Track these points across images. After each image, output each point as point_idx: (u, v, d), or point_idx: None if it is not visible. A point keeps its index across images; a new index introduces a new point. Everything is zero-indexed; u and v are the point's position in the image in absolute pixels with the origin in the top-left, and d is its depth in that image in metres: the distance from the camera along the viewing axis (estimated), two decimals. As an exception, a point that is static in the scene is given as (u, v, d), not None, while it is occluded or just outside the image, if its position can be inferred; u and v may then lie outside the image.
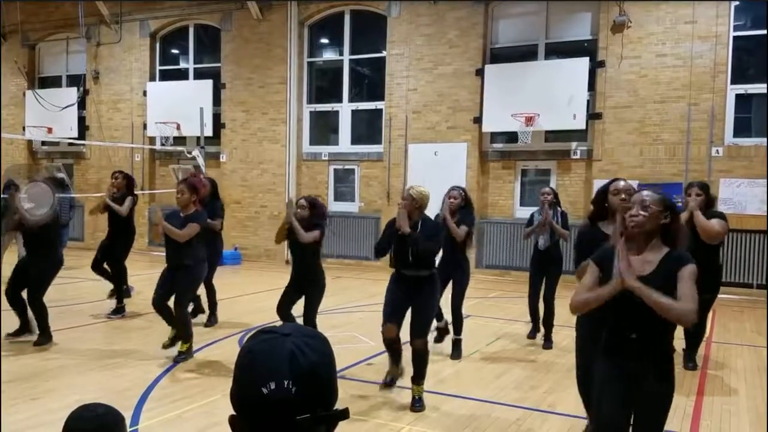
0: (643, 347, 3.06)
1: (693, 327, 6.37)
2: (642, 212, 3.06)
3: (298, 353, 1.11)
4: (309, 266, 6.16)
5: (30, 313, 6.90)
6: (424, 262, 5.20)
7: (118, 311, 8.35)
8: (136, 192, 8.86)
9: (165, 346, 6.46)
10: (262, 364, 1.10)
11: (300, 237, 5.96)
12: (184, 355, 6.35)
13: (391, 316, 5.22)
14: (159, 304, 6.45)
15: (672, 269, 3.02)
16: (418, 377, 5.20)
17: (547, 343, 7.33)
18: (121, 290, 8.49)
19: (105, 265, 8.53)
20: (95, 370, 6.00)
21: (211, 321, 8.06)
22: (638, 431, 3.13)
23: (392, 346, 5.32)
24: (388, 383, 5.39)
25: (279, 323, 1.16)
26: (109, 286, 8.62)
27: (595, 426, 3.33)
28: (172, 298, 6.48)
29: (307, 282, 6.14)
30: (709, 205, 6.24)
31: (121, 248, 8.62)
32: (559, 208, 7.43)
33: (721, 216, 6.22)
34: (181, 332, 6.42)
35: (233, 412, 1.15)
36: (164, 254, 6.61)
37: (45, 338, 6.83)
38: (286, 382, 1.08)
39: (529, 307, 7.52)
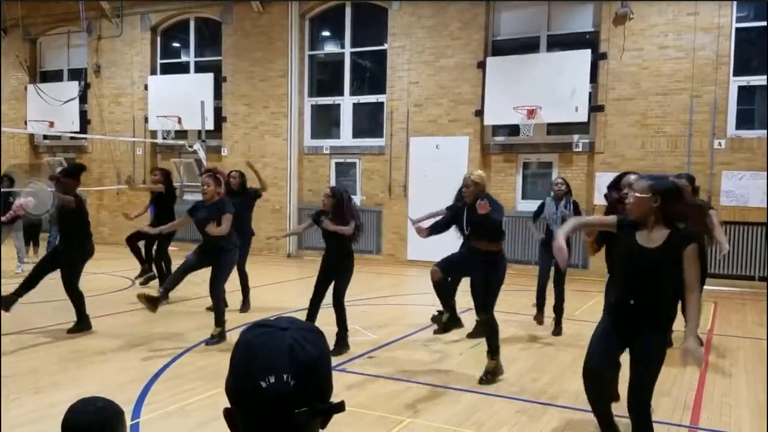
0: (641, 312, 3.50)
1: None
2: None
3: (297, 347, 1.10)
4: (340, 252, 6.44)
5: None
6: (488, 236, 5.48)
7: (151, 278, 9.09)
8: (175, 184, 9.53)
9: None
10: (261, 358, 1.10)
11: (342, 232, 6.27)
12: (216, 338, 6.69)
13: (444, 265, 5.60)
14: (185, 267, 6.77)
15: (677, 245, 3.42)
16: (491, 351, 5.55)
17: (557, 329, 7.40)
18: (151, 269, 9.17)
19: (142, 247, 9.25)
20: (97, 363, 6.02)
21: (245, 306, 8.45)
22: (634, 374, 3.57)
23: (439, 287, 5.66)
24: (440, 328, 5.79)
25: (277, 317, 1.15)
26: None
27: (583, 366, 3.76)
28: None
29: (337, 266, 6.44)
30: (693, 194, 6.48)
31: (168, 240, 9.12)
32: (570, 198, 7.52)
33: (707, 205, 6.64)
34: (216, 314, 6.82)
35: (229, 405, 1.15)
36: (200, 242, 7.00)
37: (83, 325, 7.06)
38: (285, 376, 1.08)
39: (537, 288, 7.60)
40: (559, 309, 7.42)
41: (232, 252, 7.00)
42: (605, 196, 5.10)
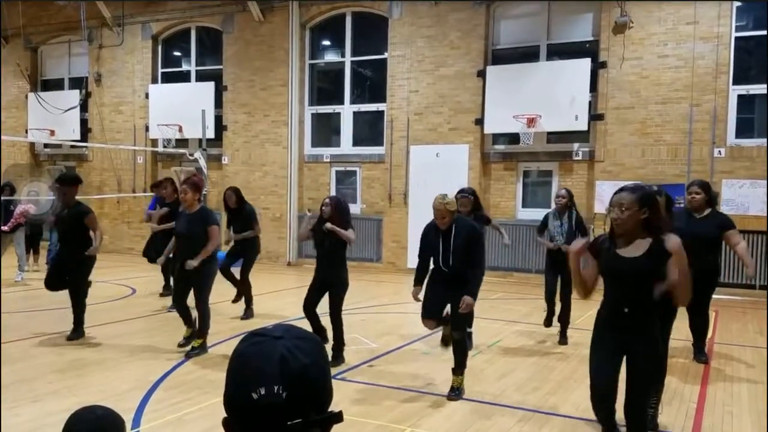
0: (634, 319, 3.60)
1: (697, 320, 6.62)
2: (620, 215, 3.53)
3: (289, 356, 1.08)
4: (335, 266, 6.31)
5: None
6: (465, 263, 5.45)
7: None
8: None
9: (180, 345, 6.72)
10: (251, 369, 1.09)
11: (345, 237, 6.17)
12: (198, 350, 6.56)
13: (429, 312, 5.61)
14: (179, 301, 6.79)
15: (662, 254, 3.51)
16: (458, 367, 5.48)
17: (563, 339, 7.41)
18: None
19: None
20: (96, 371, 6.00)
21: (247, 315, 8.45)
22: (633, 384, 3.66)
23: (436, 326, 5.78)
24: (447, 344, 5.82)
25: (274, 326, 1.14)
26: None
27: (590, 385, 3.79)
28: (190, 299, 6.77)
29: (331, 280, 6.30)
30: (710, 204, 6.30)
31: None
32: (574, 211, 7.41)
33: (728, 224, 6.34)
34: (200, 326, 6.63)
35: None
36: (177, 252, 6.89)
37: (79, 333, 7.10)
38: (276, 387, 1.06)
39: (546, 300, 7.55)
40: (564, 320, 7.43)
41: (213, 263, 6.71)
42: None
